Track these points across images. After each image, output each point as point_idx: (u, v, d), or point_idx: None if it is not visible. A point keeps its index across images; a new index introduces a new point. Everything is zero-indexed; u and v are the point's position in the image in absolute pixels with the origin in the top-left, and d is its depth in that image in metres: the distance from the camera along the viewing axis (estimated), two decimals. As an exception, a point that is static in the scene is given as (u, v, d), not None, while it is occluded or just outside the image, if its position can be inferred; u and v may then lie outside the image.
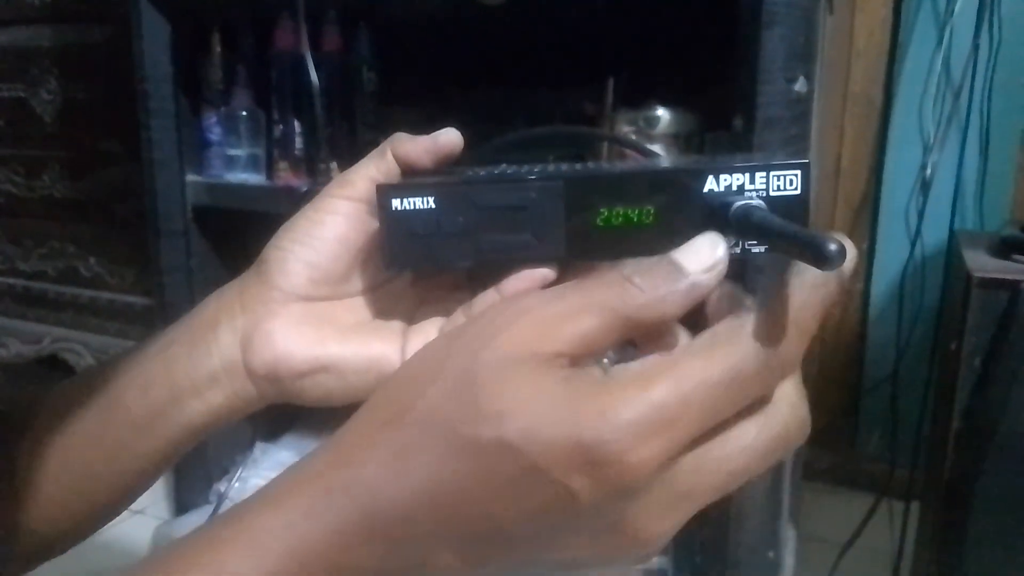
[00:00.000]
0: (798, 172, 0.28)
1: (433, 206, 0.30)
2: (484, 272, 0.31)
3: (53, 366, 1.49)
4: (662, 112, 0.85)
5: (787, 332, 0.24)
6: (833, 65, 1.18)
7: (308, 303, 0.34)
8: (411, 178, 0.33)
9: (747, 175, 0.28)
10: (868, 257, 1.29)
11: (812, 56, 0.69)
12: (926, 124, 1.22)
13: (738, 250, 0.28)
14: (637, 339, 0.27)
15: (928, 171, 1.21)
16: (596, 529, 0.24)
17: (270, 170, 1.05)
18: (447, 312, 0.34)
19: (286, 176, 1.02)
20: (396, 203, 0.30)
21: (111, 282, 1.40)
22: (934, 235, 1.23)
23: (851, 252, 0.23)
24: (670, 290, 0.25)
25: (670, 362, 0.24)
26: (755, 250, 0.29)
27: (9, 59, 1.38)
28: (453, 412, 0.24)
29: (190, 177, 1.05)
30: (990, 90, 1.16)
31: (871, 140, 1.26)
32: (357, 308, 0.35)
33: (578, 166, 0.32)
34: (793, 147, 0.73)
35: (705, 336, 0.25)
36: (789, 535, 0.97)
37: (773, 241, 0.26)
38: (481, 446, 0.24)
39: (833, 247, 0.22)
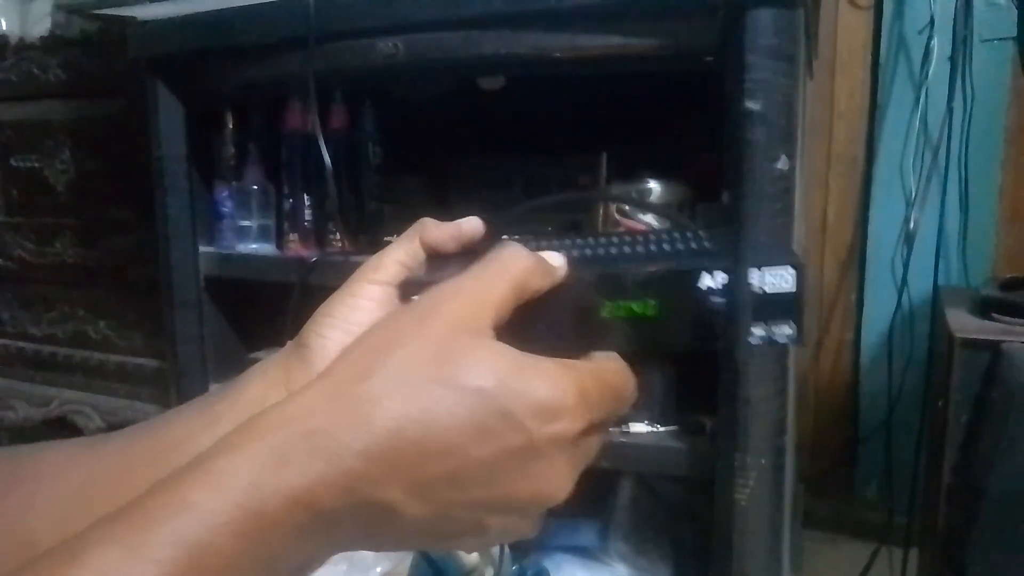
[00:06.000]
0: (793, 271, 0.32)
1: None
2: None
3: (62, 428, 1.50)
4: (653, 184, 0.89)
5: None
6: (816, 126, 1.23)
7: None
8: (435, 265, 0.37)
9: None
10: (857, 308, 1.33)
11: (792, 137, 0.74)
12: (907, 180, 1.27)
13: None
14: None
15: (911, 225, 1.25)
16: (536, 473, 0.29)
17: (280, 241, 1.09)
18: None
19: (296, 247, 1.06)
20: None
21: (120, 345, 1.43)
22: (920, 286, 1.27)
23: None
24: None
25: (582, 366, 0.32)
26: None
27: (25, 132, 1.43)
28: (429, 364, 0.28)
29: (203, 248, 1.09)
30: (967, 147, 1.22)
31: (855, 196, 1.31)
32: None
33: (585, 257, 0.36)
34: (779, 219, 0.78)
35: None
36: (791, 587, 0.98)
37: None
38: (460, 387, 0.28)
39: None
